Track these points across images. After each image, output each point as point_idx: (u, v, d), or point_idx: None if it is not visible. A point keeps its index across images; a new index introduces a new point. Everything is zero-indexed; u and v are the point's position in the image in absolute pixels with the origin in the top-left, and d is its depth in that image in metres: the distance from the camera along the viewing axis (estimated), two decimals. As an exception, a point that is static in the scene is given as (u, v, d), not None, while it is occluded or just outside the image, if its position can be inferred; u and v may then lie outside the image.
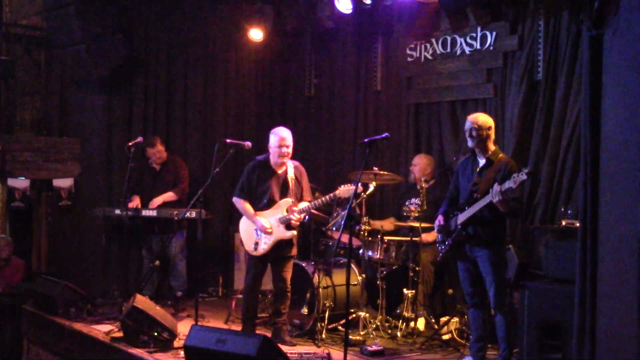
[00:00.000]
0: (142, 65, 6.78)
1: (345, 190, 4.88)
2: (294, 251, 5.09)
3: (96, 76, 6.42)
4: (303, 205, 5.00)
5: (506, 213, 4.29)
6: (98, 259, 6.60)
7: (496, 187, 4.16)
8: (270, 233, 4.90)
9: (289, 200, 4.97)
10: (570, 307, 4.00)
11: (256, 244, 4.92)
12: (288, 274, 5.04)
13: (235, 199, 5.04)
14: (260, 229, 4.90)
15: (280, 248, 4.96)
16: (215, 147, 5.09)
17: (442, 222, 4.62)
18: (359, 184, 4.53)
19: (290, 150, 4.97)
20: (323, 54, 7.30)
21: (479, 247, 4.42)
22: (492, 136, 4.52)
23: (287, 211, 4.95)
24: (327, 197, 4.95)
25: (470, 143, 4.51)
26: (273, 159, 4.96)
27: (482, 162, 4.50)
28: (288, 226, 4.96)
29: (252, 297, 5.05)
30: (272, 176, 4.97)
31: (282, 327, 5.01)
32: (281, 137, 4.93)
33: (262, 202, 4.96)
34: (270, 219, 4.94)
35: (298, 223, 4.97)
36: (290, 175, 5.00)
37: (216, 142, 5.21)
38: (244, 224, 5.03)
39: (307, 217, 5.78)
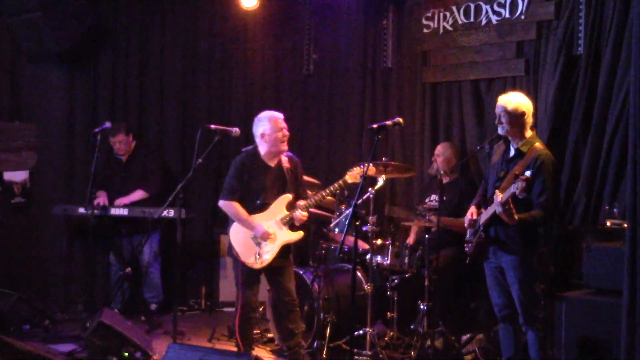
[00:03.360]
0: (111, 37, 6.73)
1: (355, 174, 4.82)
2: (292, 256, 5.03)
3: (55, 50, 6.37)
4: (300, 202, 4.90)
5: (518, 224, 4.21)
6: (58, 266, 6.57)
7: (496, 197, 4.18)
8: (273, 239, 4.80)
9: (288, 196, 4.87)
10: (616, 322, 3.98)
11: (258, 254, 4.78)
12: (292, 284, 4.95)
13: (223, 203, 4.85)
14: (262, 236, 4.77)
15: (278, 254, 4.86)
16: (197, 134, 5.04)
17: (474, 216, 4.60)
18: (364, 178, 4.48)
19: (287, 132, 4.89)
20: (324, 25, 7.26)
21: (504, 252, 4.42)
22: (530, 121, 4.47)
23: (287, 209, 4.85)
24: (336, 185, 4.85)
25: (500, 130, 4.48)
26: (269, 148, 4.83)
27: (512, 152, 4.49)
28: (292, 227, 4.88)
29: (252, 317, 4.95)
30: (265, 171, 4.85)
31: (299, 352, 4.87)
32: (276, 118, 4.83)
33: (256, 204, 4.84)
34: (269, 222, 4.82)
35: (304, 219, 4.84)
36: (286, 166, 4.91)
37: (198, 127, 5.16)
38: (238, 232, 4.85)
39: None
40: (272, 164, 4.88)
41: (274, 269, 4.86)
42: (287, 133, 4.86)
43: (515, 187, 4.03)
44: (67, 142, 6.66)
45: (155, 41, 6.96)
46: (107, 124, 5.97)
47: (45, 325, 5.63)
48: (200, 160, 4.99)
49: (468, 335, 5.27)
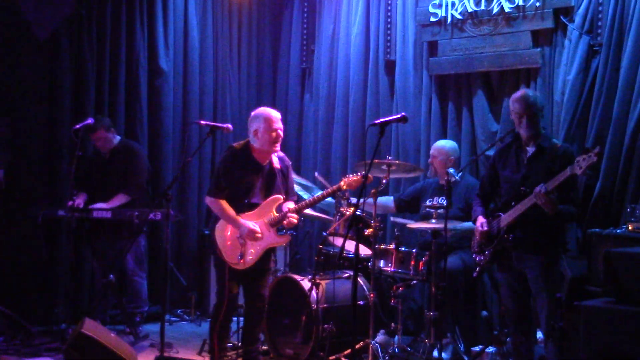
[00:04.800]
0: (94, 25, 6.69)
1: (351, 181, 4.87)
2: (272, 262, 5.15)
3: (34, 38, 6.33)
4: (290, 205, 4.97)
5: (556, 216, 4.31)
6: (36, 273, 6.52)
7: (540, 187, 4.23)
8: (259, 239, 4.87)
9: (278, 198, 4.97)
10: (639, 333, 3.95)
11: (241, 255, 4.88)
12: (267, 290, 5.13)
13: (210, 200, 4.94)
14: (248, 235, 4.85)
15: (260, 258, 4.97)
16: (188, 130, 5.03)
17: (485, 227, 4.63)
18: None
19: (282, 133, 4.96)
20: (322, 15, 7.23)
21: (530, 255, 4.44)
22: None
23: (277, 211, 4.93)
24: (329, 190, 4.94)
25: (524, 132, 4.56)
26: (260, 147, 4.90)
27: (530, 150, 4.57)
28: (280, 229, 4.96)
29: (230, 321, 5.04)
30: (256, 170, 4.93)
31: (257, 357, 5.07)
32: (272, 118, 4.86)
33: (244, 203, 4.92)
34: (257, 222, 4.91)
35: (295, 223, 4.93)
36: (277, 167, 5.01)
37: (189, 123, 5.15)
38: (223, 231, 4.96)
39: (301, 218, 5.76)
40: (264, 162, 4.95)
41: (254, 273, 4.96)
42: (281, 134, 4.91)
43: (579, 168, 4.05)
44: (46, 138, 6.60)
45: (143, 29, 6.91)
46: (89, 120, 5.93)
47: (22, 337, 5.59)
48: (190, 158, 4.98)
49: (479, 347, 5.25)
